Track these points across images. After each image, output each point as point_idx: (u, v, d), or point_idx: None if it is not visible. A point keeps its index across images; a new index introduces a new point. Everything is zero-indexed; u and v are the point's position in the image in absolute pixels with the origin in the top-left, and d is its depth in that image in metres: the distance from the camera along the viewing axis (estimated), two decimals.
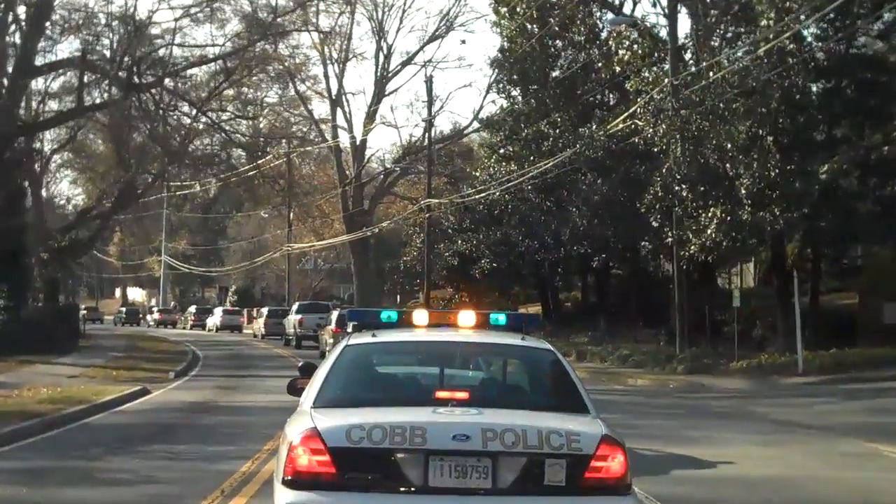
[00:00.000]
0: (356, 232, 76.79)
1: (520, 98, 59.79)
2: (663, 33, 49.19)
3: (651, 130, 43.71)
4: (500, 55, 61.48)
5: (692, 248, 37.22)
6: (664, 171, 38.84)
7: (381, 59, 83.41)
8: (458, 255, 60.67)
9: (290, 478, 8.13)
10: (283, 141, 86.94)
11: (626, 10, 56.45)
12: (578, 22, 54.95)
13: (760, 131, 36.47)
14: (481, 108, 79.90)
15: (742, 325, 47.25)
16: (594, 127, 48.48)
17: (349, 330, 17.11)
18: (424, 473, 7.95)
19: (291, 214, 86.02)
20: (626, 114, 44.58)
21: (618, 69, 49.57)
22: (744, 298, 50.11)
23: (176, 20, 60.71)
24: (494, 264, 57.65)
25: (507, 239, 56.31)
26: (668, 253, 44.55)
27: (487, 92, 77.65)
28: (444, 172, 77.61)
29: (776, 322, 40.84)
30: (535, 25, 56.74)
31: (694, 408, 28.76)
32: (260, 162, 78.76)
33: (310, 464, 8.06)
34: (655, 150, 43.86)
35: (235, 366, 44.95)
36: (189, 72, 68.57)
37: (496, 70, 63.63)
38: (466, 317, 10.10)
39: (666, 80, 43.14)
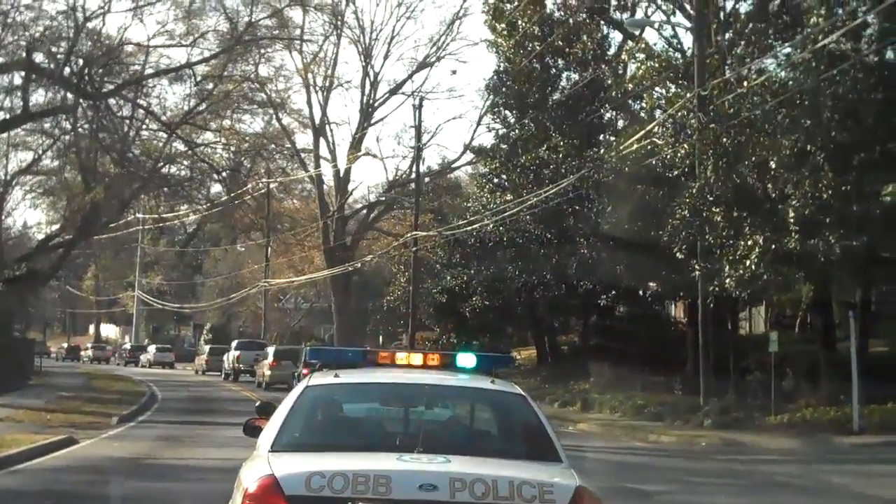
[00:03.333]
0: (338, 268, 70.35)
1: (516, 123, 53.59)
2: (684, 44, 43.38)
3: (671, 151, 37.67)
4: (495, 77, 55.32)
5: (728, 281, 30.88)
6: (694, 191, 32.58)
7: (368, 87, 77.39)
8: (446, 291, 54.30)
9: None
10: (263, 171, 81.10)
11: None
12: (585, 37, 48.93)
13: (809, 146, 30.26)
14: (473, 137, 73.06)
15: (766, 373, 41.12)
16: (603, 150, 42.35)
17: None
18: None
19: (269, 249, 79.56)
20: (641, 132, 38.42)
21: (629, 86, 43.53)
22: (757, 343, 44.21)
23: (149, 38, 55.15)
24: (486, 302, 51.31)
25: (502, 274, 50.00)
26: (687, 289, 38.31)
27: (480, 120, 71.62)
28: (431, 207, 71.32)
29: (818, 369, 34.51)
30: (535, 43, 50.76)
31: (749, 475, 22.47)
32: (239, 192, 73.04)
33: None
34: (675, 172, 37.75)
35: (194, 410, 38.61)
36: (161, 91, 62.70)
37: (491, 94, 57.44)
38: (433, 358, 9.60)
39: (688, 95, 37.16)
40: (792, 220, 29.75)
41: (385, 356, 9.76)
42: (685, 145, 36.85)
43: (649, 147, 39.22)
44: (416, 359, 9.61)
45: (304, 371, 37.14)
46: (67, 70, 43.21)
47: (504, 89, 54.52)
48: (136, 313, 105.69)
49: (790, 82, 32.57)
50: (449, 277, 54.43)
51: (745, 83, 33.64)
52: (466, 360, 9.54)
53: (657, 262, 38.48)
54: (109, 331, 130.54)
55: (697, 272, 33.64)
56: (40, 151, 64.15)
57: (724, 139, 32.65)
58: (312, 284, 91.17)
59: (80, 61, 42.21)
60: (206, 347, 79.05)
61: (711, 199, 31.92)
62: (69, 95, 43.56)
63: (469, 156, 75.71)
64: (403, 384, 9.30)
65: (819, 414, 31.29)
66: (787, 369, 38.85)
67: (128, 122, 55.35)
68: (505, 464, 7.96)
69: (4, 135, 62.66)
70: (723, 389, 36.53)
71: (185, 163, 65.80)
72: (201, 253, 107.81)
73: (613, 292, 40.47)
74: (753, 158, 31.61)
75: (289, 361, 52.89)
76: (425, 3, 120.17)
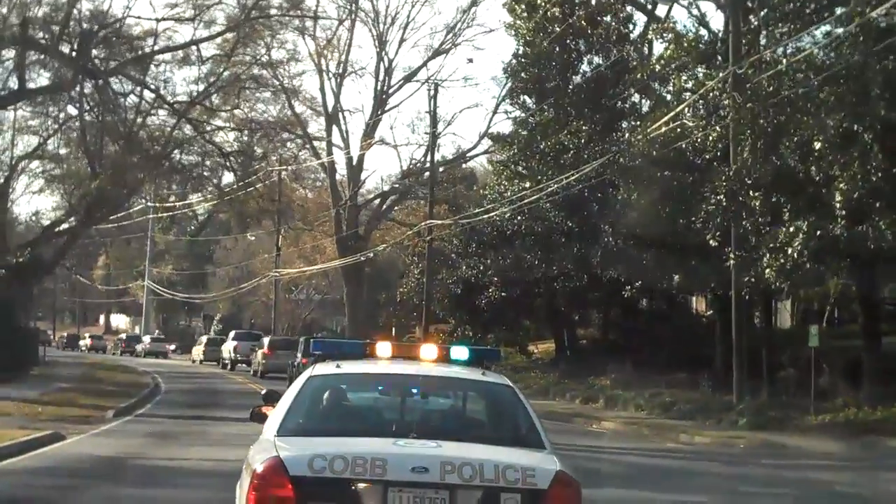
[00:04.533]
0: (350, 257, 67.86)
1: (535, 109, 51.06)
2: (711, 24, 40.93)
3: (701, 134, 35.15)
4: (514, 61, 52.73)
5: (767, 271, 28.34)
6: (731, 174, 30.05)
7: (382, 73, 74.76)
8: (461, 282, 51.83)
9: None
10: (275, 159, 78.62)
11: (661, 10, 48.09)
12: (608, 18, 46.41)
13: (856, 126, 27.71)
14: (490, 125, 70.40)
15: (799, 370, 38.60)
16: (629, 134, 39.84)
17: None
18: None
19: (280, 238, 77.07)
20: (671, 114, 35.88)
21: (657, 67, 40.97)
22: (787, 338, 41.81)
23: (157, 21, 52.75)
24: (503, 293, 48.84)
25: (520, 264, 47.52)
26: (717, 280, 35.80)
27: (497, 108, 69.16)
28: (445, 197, 68.76)
29: (858, 366, 31.99)
30: (555, 25, 48.25)
31: (803, 484, 20.07)
32: (250, 180, 70.59)
33: (272, 492, 7.89)
34: (707, 156, 35.23)
35: (196, 403, 36.17)
36: (169, 75, 60.42)
37: (509, 78, 54.78)
38: (429, 350, 9.96)
39: (721, 74, 34.65)
40: (838, 205, 27.26)
41: (395, 348, 10.07)
42: (717, 127, 34.36)
43: (678, 130, 36.71)
44: (414, 351, 10.04)
45: (304, 360, 36.77)
46: (67, 48, 40.70)
47: (523, 74, 51.96)
48: (145, 303, 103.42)
49: (831, 59, 30.06)
50: (464, 267, 52.02)
51: (784, 60, 31.16)
52: (460, 353, 9.97)
53: (685, 252, 35.99)
54: (119, 321, 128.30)
55: (732, 261, 31.10)
56: (45, 136, 62.24)
57: (763, 119, 30.13)
58: (325, 276, 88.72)
59: (78, 37, 39.63)
60: (204, 338, 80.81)
61: (749, 182, 29.38)
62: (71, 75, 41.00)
63: (485, 145, 73.33)
64: (400, 375, 9.64)
65: (864, 414, 28.82)
66: (823, 366, 36.43)
67: (134, 105, 53.17)
68: (492, 449, 8.37)
69: (10, 119, 60.58)
70: (755, 387, 34.06)
71: (195, 147, 63.38)
72: (212, 242, 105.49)
73: (639, 283, 37.89)
74: (795, 139, 29.05)
75: (284, 351, 54.21)
76: None
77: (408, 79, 75.29)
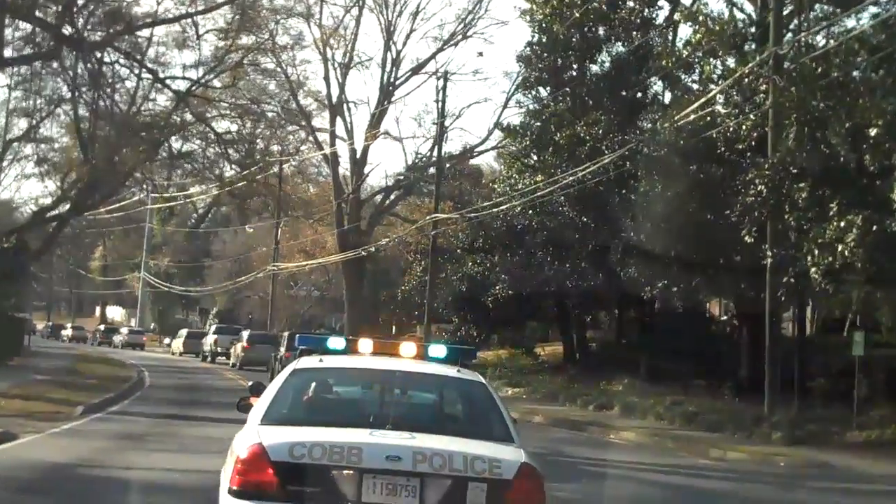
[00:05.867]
0: (351, 252, 64.48)
1: (550, 98, 47.75)
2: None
3: (734, 122, 31.88)
4: (528, 50, 49.39)
5: (813, 271, 25.00)
6: (775, 161, 26.72)
7: (389, 65, 71.41)
8: (466, 279, 48.46)
9: (235, 488, 8.25)
10: (276, 151, 75.39)
11: None
12: (632, 1, 43.10)
13: None
14: (500, 117, 66.89)
15: (831, 380, 35.32)
16: (653, 122, 36.59)
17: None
18: (358, 490, 8.14)
19: (279, 231, 73.76)
20: (701, 100, 32.58)
21: (684, 53, 37.72)
22: (820, 346, 38.78)
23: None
24: (510, 291, 45.45)
25: (529, 262, 44.18)
26: (749, 280, 32.47)
27: (508, 100, 65.91)
28: (451, 194, 65.37)
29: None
30: (573, 10, 44.94)
31: None
32: (251, 171, 67.40)
33: (254, 476, 8.19)
34: (740, 146, 31.92)
35: (178, 400, 32.91)
36: (169, 59, 57.31)
37: (523, 67, 51.41)
38: (408, 347, 10.30)
39: (759, 57, 31.37)
40: None
41: (376, 345, 10.44)
42: (752, 115, 31.08)
43: (708, 119, 33.43)
44: (394, 348, 10.38)
45: (286, 354, 36.03)
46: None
47: (538, 62, 48.61)
48: (141, 295, 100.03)
49: (880, 40, 26.77)
50: (470, 263, 48.68)
51: (832, 41, 27.91)
52: (437, 350, 10.37)
53: (715, 249, 32.67)
54: (116, 313, 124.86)
55: (769, 260, 27.76)
56: (38, 118, 59.08)
57: (810, 104, 26.80)
58: (324, 272, 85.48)
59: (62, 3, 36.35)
60: (184, 331, 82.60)
61: (795, 171, 26.04)
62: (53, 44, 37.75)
63: (493, 141, 70.10)
64: (379, 370, 10.01)
65: None
66: (860, 376, 33.21)
67: (130, 88, 50.29)
68: (463, 442, 8.68)
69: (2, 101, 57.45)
70: (785, 399, 30.73)
71: (194, 133, 60.17)
72: (211, 235, 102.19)
73: (661, 283, 34.50)
74: (847, 126, 25.71)
75: (261, 345, 56.82)
76: None
77: (415, 70, 72.06)
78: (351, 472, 8.17)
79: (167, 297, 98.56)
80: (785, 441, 26.65)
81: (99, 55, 51.80)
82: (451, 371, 9.99)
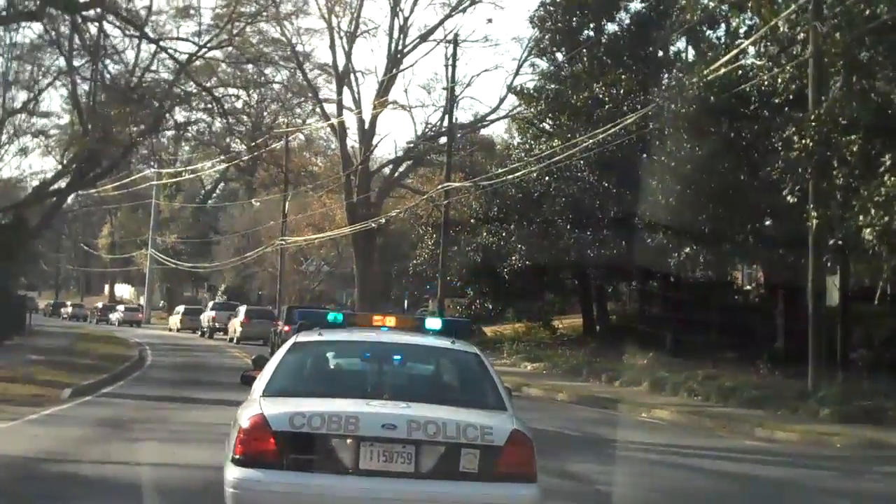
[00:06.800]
0: (360, 224, 61.91)
1: (566, 58, 45.13)
2: None
3: (769, 75, 29.27)
4: (541, 10, 46.74)
5: (867, 232, 22.42)
6: (821, 113, 24.12)
7: (397, 32, 68.67)
8: (481, 249, 45.92)
9: (238, 457, 8.49)
10: (283, 123, 72.92)
11: None
12: None
13: None
14: (513, 82, 64.00)
15: (874, 352, 32.76)
16: (681, 76, 33.97)
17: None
18: (356, 457, 8.38)
19: (287, 205, 71.21)
20: (735, 51, 29.98)
21: (710, 4, 35.09)
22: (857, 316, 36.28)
23: None
24: (528, 262, 42.93)
25: (547, 230, 41.62)
26: (788, 245, 29.97)
27: (521, 66, 63.22)
28: (463, 165, 62.76)
29: None
30: None
31: None
32: (258, 143, 65.02)
33: (256, 445, 8.43)
34: (777, 100, 29.33)
35: (177, 381, 30.50)
36: (170, 28, 55.00)
37: (536, 29, 48.69)
38: (405, 321, 10.94)
39: (794, 4, 28.68)
40: None
41: (363, 318, 11.11)
42: (789, 67, 28.44)
43: (740, 72, 30.88)
44: (390, 321, 10.72)
45: (286, 328, 35.26)
46: None
47: (552, 24, 45.98)
48: (148, 272, 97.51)
49: None
50: (485, 234, 46.14)
51: None
52: (433, 323, 10.68)
53: (750, 212, 30.17)
54: (124, 291, 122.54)
55: (815, 220, 25.17)
56: (38, 90, 56.76)
57: (857, 50, 24.20)
58: (334, 247, 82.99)
59: None
60: (181, 307, 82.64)
61: (845, 122, 23.43)
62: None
63: (505, 109, 67.44)
64: (376, 342, 10.31)
65: None
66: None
67: (131, 57, 47.99)
68: (456, 410, 8.90)
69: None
70: (828, 371, 28.16)
71: (200, 105, 57.68)
72: (219, 210, 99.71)
73: (690, 249, 31.93)
74: None
75: (258, 320, 57.84)
76: None
77: (423, 38, 69.22)
78: (349, 440, 8.39)
79: (175, 273, 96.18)
80: (834, 418, 24.15)
81: (98, 24, 49.55)
82: (446, 342, 10.18)
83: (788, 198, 25.44)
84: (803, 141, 24.25)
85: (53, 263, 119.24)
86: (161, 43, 51.84)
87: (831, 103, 24.08)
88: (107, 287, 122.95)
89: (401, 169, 73.17)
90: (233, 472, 8.47)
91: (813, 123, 23.89)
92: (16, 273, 58.59)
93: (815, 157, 24.62)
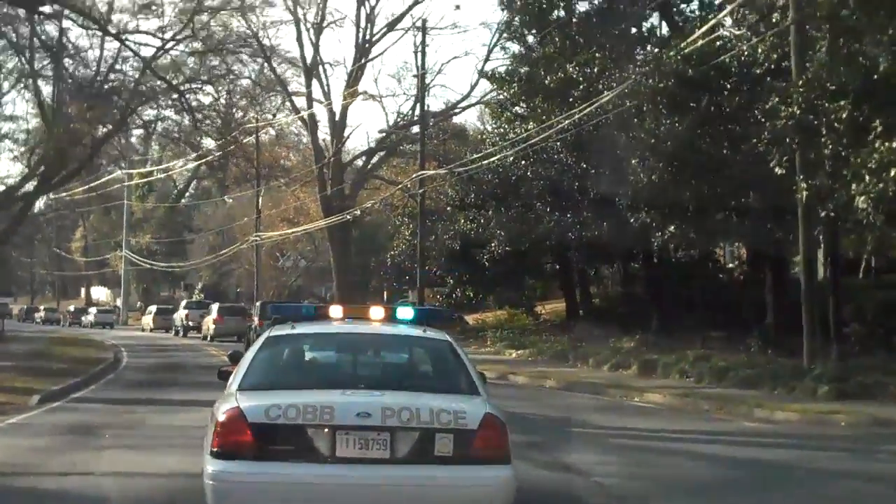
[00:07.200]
0: (335, 216, 60.75)
1: (537, 39, 44.04)
2: None
3: (749, 45, 28.33)
4: None
5: (861, 200, 21.46)
6: (808, 78, 23.15)
7: (364, 21, 67.50)
8: (459, 236, 44.89)
9: (216, 449, 8.57)
10: (253, 118, 71.64)
11: None
12: None
13: None
14: (484, 67, 62.81)
15: (866, 326, 31.85)
16: (657, 51, 32.96)
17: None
18: (332, 445, 8.48)
19: (260, 200, 70.00)
20: (712, 21, 29.02)
21: None
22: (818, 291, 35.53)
23: None
24: (508, 248, 41.93)
25: (526, 215, 40.61)
26: (777, 219, 29.05)
27: (491, 51, 62.28)
28: (436, 153, 61.63)
29: None
30: None
31: None
32: (228, 139, 63.75)
33: (234, 438, 8.50)
34: (758, 71, 28.39)
35: (152, 383, 29.36)
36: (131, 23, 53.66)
37: (506, 11, 47.60)
38: (376, 311, 10.75)
39: None
40: None
41: (345, 309, 10.84)
42: (769, 36, 27.45)
43: (718, 44, 29.91)
44: (363, 311, 10.79)
45: (260, 323, 34.99)
46: None
47: (522, 5, 44.83)
48: (124, 274, 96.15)
49: None
50: (462, 220, 45.09)
51: None
52: (405, 313, 10.76)
53: (734, 186, 29.21)
54: (100, 293, 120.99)
55: (805, 192, 24.21)
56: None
57: (842, 12, 23.24)
58: (311, 241, 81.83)
59: None
60: (154, 307, 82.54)
61: (833, 88, 22.46)
62: None
63: (477, 96, 66.40)
64: (349, 334, 10.49)
65: None
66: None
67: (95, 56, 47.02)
68: (430, 397, 9.07)
69: None
70: (821, 348, 27.23)
71: (167, 103, 56.51)
72: (192, 209, 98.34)
73: (673, 227, 30.93)
74: (890, 33, 22.11)
75: (231, 317, 57.94)
76: None
77: (391, 26, 68.10)
78: (325, 429, 8.46)
79: (151, 274, 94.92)
80: (833, 396, 23.22)
81: (58, 23, 48.36)
82: (417, 331, 10.34)
83: (777, 169, 24.43)
84: (790, 109, 23.25)
85: (27, 268, 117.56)
86: (124, 40, 50.77)
87: (818, 68, 23.11)
88: (83, 290, 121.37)
89: (374, 160, 72.06)
90: (211, 465, 8.54)
91: (801, 90, 22.90)
92: None
93: (803, 126, 23.64)
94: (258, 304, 46.92)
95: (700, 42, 29.12)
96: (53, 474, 13.57)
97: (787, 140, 23.84)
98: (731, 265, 47.92)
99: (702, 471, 14.94)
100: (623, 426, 19.59)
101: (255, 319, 41.09)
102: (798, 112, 22.95)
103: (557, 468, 14.43)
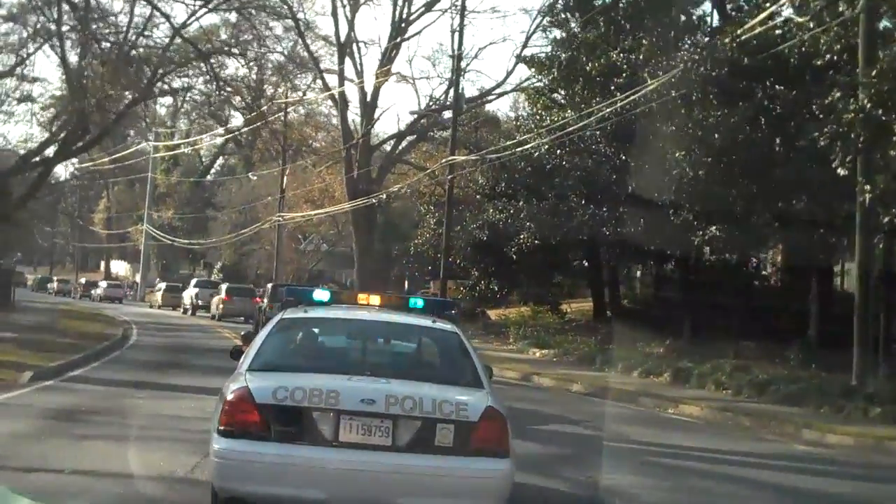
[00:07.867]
0: (361, 199, 58.86)
1: (581, 23, 42.08)
2: None
3: (809, 35, 26.29)
4: None
5: None
6: (883, 68, 21.14)
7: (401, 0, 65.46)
8: (487, 226, 42.98)
9: (223, 428, 8.73)
10: (282, 94, 69.98)
11: None
12: None
13: None
14: (523, 50, 60.56)
15: None
16: (709, 39, 30.98)
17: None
18: (336, 430, 8.60)
19: (285, 180, 68.23)
20: (771, 8, 27.00)
21: None
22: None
23: None
24: (537, 240, 40.01)
25: (558, 207, 38.68)
26: (829, 226, 27.04)
27: (530, 37, 60.12)
28: (467, 141, 59.66)
29: None
30: None
31: None
32: (256, 114, 62.26)
33: (240, 417, 8.68)
34: (819, 62, 26.36)
35: (157, 364, 27.70)
36: None
37: None
38: (387, 299, 11.15)
39: None
40: None
41: (349, 297, 11.42)
42: (834, 25, 25.43)
43: (778, 31, 27.92)
44: (375, 300, 10.98)
45: (270, 306, 34.63)
46: None
47: None
48: (144, 248, 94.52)
49: None
50: (491, 210, 43.17)
51: None
52: (416, 302, 11.01)
53: (782, 188, 27.22)
54: (120, 267, 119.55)
55: (868, 196, 22.21)
56: (25, 54, 53.93)
57: None
58: (334, 225, 79.98)
59: None
60: (162, 284, 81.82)
61: None
62: None
63: (513, 83, 64.49)
64: (360, 320, 10.63)
65: None
66: None
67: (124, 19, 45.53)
68: (434, 387, 9.17)
69: None
70: (872, 365, 25.22)
71: (196, 72, 54.97)
72: (216, 185, 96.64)
73: (716, 228, 28.88)
74: None
75: (239, 297, 58.84)
76: None
77: (429, 6, 65.92)
78: (329, 413, 8.62)
79: (171, 251, 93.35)
80: (886, 419, 21.23)
81: None
82: (426, 321, 10.42)
83: (839, 170, 22.40)
84: (858, 102, 21.23)
85: (49, 238, 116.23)
86: (156, 3, 49.32)
87: (892, 59, 21.08)
88: (102, 263, 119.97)
89: (403, 144, 70.07)
90: (218, 443, 8.71)
91: (874, 80, 20.87)
92: (2, 246, 55.87)
93: (872, 121, 21.61)
94: (269, 286, 46.35)
95: (758, 29, 27.16)
96: (18, 470, 11.77)
97: (853, 136, 21.79)
98: (765, 272, 45.86)
99: (759, 500, 13.06)
100: (661, 442, 17.69)
101: (265, 301, 40.49)
102: (869, 105, 20.91)
103: (592, 489, 12.64)
